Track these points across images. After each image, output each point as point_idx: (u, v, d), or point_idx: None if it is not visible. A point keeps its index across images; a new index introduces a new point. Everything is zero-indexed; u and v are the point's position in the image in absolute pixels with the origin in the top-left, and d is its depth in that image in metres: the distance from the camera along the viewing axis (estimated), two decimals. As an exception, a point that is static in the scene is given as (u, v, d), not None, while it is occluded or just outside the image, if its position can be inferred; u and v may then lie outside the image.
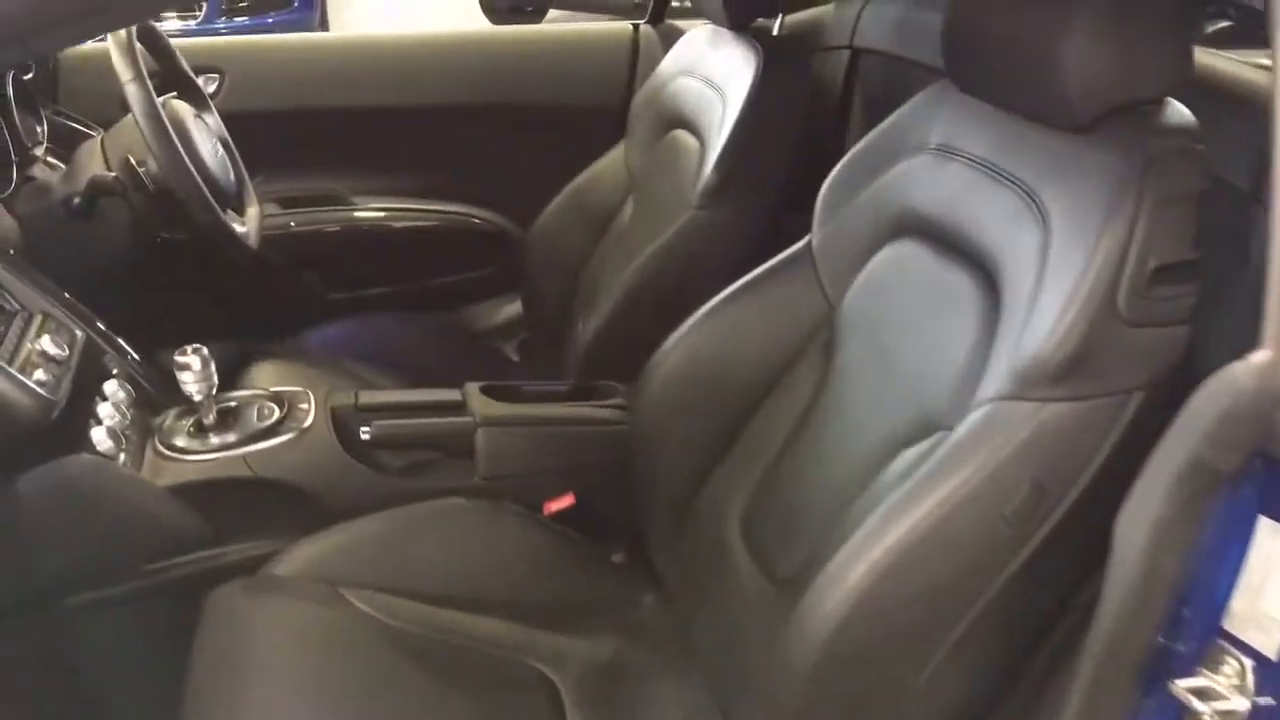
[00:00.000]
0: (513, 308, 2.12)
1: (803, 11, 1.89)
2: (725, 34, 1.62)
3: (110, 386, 1.30)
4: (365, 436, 1.33)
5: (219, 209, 1.42)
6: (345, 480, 1.29)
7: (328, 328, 1.90)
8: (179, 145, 1.35)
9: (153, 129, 1.34)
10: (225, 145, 1.63)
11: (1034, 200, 0.87)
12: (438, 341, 2.02)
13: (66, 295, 1.34)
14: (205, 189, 1.39)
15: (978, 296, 0.92)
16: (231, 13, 5.24)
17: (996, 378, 0.84)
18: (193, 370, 1.24)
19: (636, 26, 2.08)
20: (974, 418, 0.83)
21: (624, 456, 1.28)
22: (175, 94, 1.62)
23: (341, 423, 1.35)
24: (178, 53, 1.59)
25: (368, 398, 1.40)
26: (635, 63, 2.03)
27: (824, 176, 1.15)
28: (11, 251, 1.36)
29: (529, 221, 1.92)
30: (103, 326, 1.37)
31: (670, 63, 1.74)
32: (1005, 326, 0.86)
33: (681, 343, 1.21)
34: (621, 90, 2.00)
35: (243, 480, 1.25)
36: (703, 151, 1.54)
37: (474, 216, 2.06)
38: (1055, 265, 0.82)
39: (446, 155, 2.03)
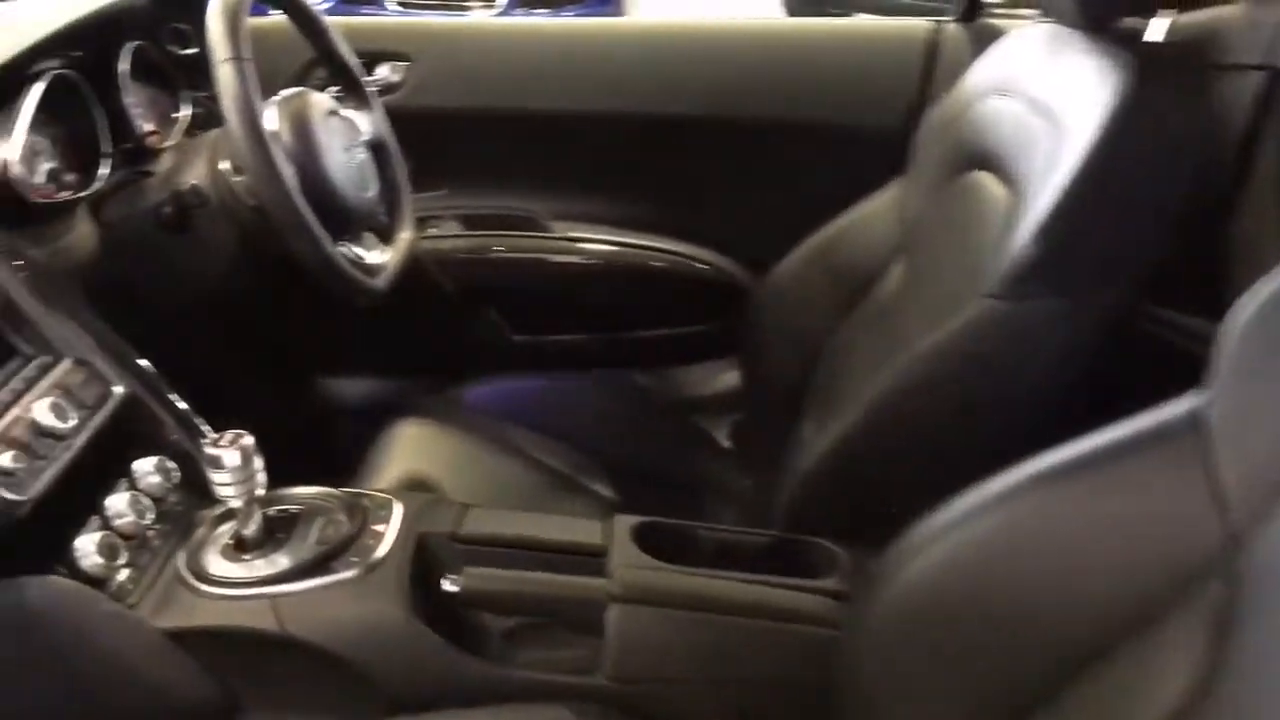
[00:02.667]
0: (729, 377, 1.65)
1: (1194, 13, 1.28)
2: (1072, 38, 1.07)
3: (144, 466, 0.97)
4: (451, 588, 0.92)
5: (325, 238, 1.05)
6: (410, 656, 0.88)
7: (496, 381, 1.53)
8: (272, 153, 1.00)
9: (242, 128, 0.99)
10: (378, 152, 1.28)
11: None
12: (631, 409, 1.60)
13: (114, 333, 1.02)
14: (306, 212, 1.03)
15: None
16: (529, 4, 5.13)
17: None
18: (228, 468, 0.87)
19: (939, 24, 1.54)
20: None
21: (830, 683, 0.79)
22: (337, 88, 1.29)
23: (428, 559, 0.95)
24: (331, 32, 1.25)
25: (475, 524, 0.99)
26: (930, 72, 1.49)
27: (1215, 257, 0.65)
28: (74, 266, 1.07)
29: (763, 271, 1.45)
30: (150, 373, 1.04)
31: (981, 75, 1.20)
32: None
33: (956, 532, 0.70)
34: (906, 108, 1.47)
35: (268, 638, 0.87)
36: (1017, 206, 0.99)
37: (694, 259, 1.61)
38: None
39: (669, 179, 1.60)
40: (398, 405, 1.44)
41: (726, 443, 1.59)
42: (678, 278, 1.61)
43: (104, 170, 1.14)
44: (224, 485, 0.88)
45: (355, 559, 0.91)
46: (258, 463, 0.89)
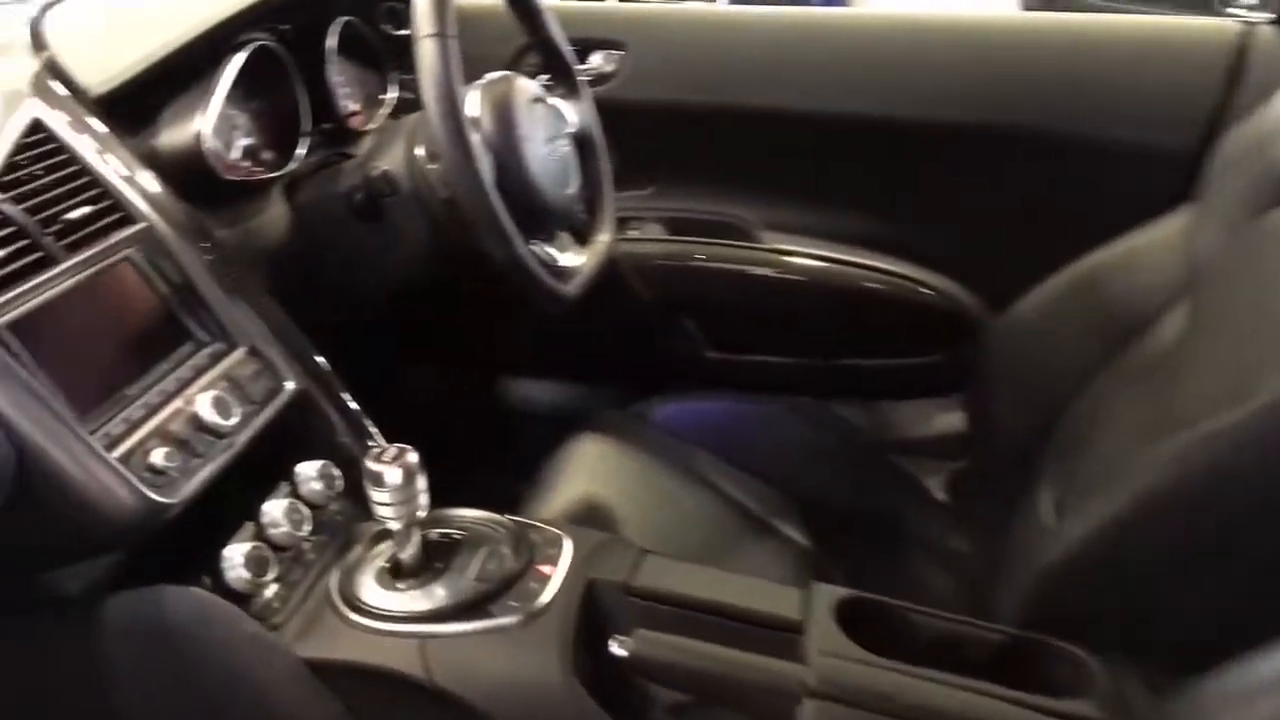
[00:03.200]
0: (949, 419, 1.46)
1: None
2: None
3: (307, 470, 0.89)
4: (619, 652, 0.79)
5: (516, 237, 0.95)
6: (566, 723, 0.76)
7: (687, 399, 1.40)
8: (469, 140, 0.90)
9: (440, 111, 0.90)
10: (583, 145, 1.18)
11: None
12: (834, 445, 1.43)
13: (293, 324, 0.96)
14: (499, 207, 0.93)
15: None
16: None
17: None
18: (389, 486, 0.78)
19: (1250, 25, 1.28)
20: None
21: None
22: (548, 75, 1.20)
23: (595, 611, 0.83)
24: (546, 16, 1.16)
25: (653, 574, 0.85)
26: (1236, 83, 1.24)
27: None
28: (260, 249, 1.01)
29: (1001, 303, 1.26)
30: (325, 370, 0.97)
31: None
32: None
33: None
34: (1202, 124, 1.23)
35: (412, 683, 0.77)
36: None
37: (919, 283, 1.42)
38: None
39: (897, 191, 1.42)
40: (581, 416, 1.34)
41: (941, 495, 1.40)
42: (898, 302, 1.43)
43: (301, 150, 1.08)
44: (383, 505, 0.79)
45: (515, 603, 0.80)
46: (421, 482, 0.79)
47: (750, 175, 1.47)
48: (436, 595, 0.82)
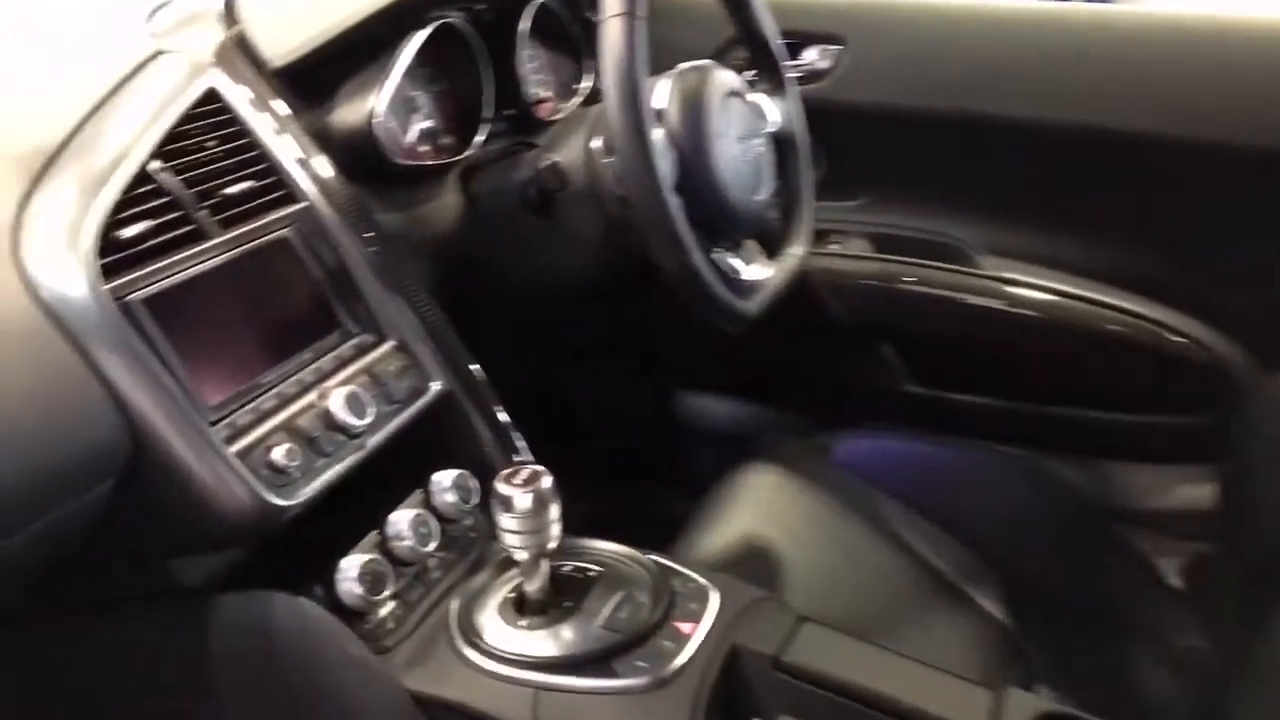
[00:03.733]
0: (1197, 491, 1.23)
1: None
2: None
3: (442, 480, 0.83)
4: (758, 739, 0.67)
5: (691, 244, 0.85)
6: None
7: (877, 436, 1.26)
8: (646, 131, 0.81)
9: (619, 97, 0.81)
10: (783, 147, 1.06)
11: None
12: (1047, 507, 1.24)
13: (447, 321, 0.89)
14: (673, 209, 0.83)
15: None
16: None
17: None
18: (517, 512, 0.69)
19: None
20: None
21: None
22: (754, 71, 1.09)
23: (737, 685, 0.71)
24: (756, 5, 1.05)
25: (811, 648, 0.73)
26: None
27: None
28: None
29: (1274, 360, 1.04)
30: (476, 373, 0.90)
31: None
32: None
33: None
34: None
35: (519, 738, 0.68)
36: None
37: (1170, 329, 1.21)
38: None
39: (1150, 219, 1.21)
40: (758, 441, 1.23)
41: (1176, 580, 1.18)
42: (1142, 349, 1.22)
43: (481, 137, 1.02)
44: (509, 533, 0.70)
45: (645, 663, 0.70)
46: (554, 511, 0.70)
47: (975, 192, 1.30)
48: (560, 640, 0.73)
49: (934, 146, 1.29)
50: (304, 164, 0.85)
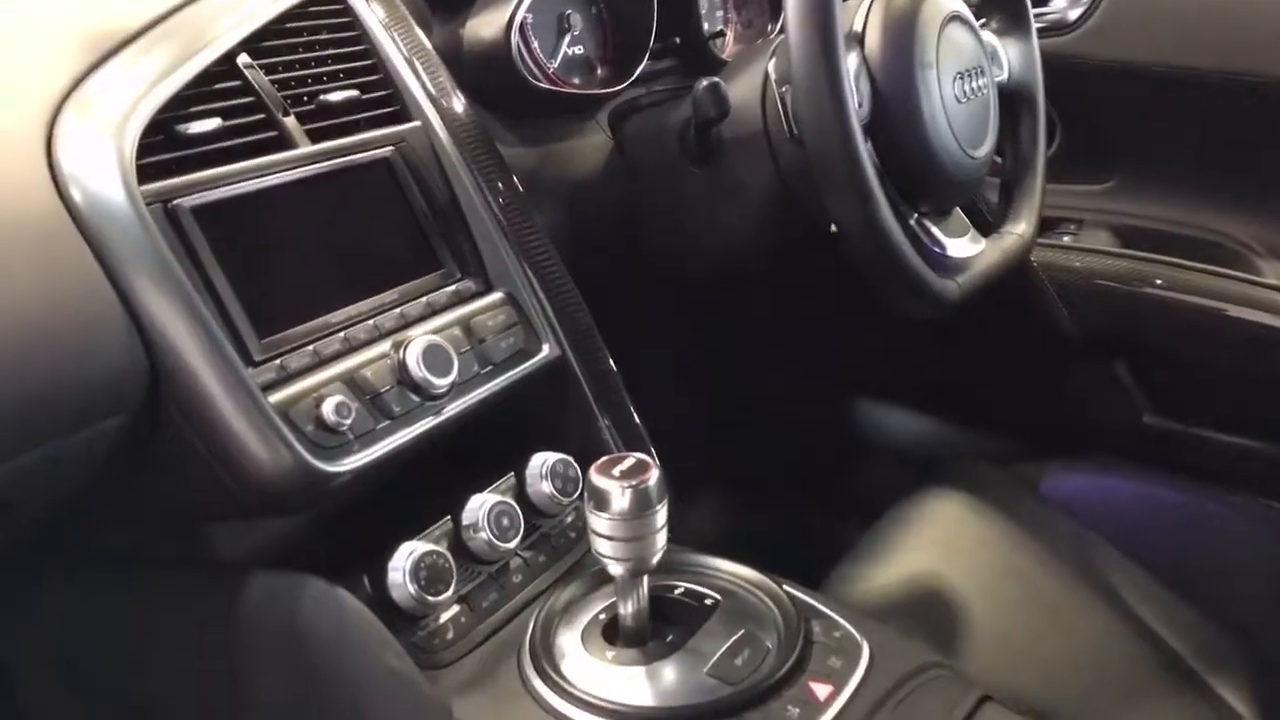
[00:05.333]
0: None
1: None
2: None
3: (539, 464, 0.68)
4: None
5: (881, 201, 0.66)
6: None
7: (1099, 473, 1.02)
8: (835, 57, 0.63)
9: (798, 11, 0.63)
10: (1014, 103, 0.85)
11: None
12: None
13: (572, 280, 0.74)
14: (861, 154, 0.65)
15: None
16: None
17: None
18: (611, 510, 0.53)
19: None
20: None
21: None
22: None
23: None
24: None
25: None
26: None
27: None
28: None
29: None
30: (598, 343, 0.74)
31: None
32: None
33: None
34: None
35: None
36: None
37: None
38: None
39: None
40: (945, 464, 1.02)
41: None
42: None
43: (640, 68, 0.87)
44: (601, 538, 0.54)
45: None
46: (659, 516, 0.54)
47: (1258, 179, 1.03)
48: (654, 684, 0.56)
49: (1206, 119, 1.03)
50: (423, 77, 0.72)
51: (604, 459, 0.55)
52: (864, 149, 0.65)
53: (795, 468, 1.20)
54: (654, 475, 0.54)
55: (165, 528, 0.61)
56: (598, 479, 0.54)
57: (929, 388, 1.23)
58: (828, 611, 0.61)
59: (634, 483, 0.53)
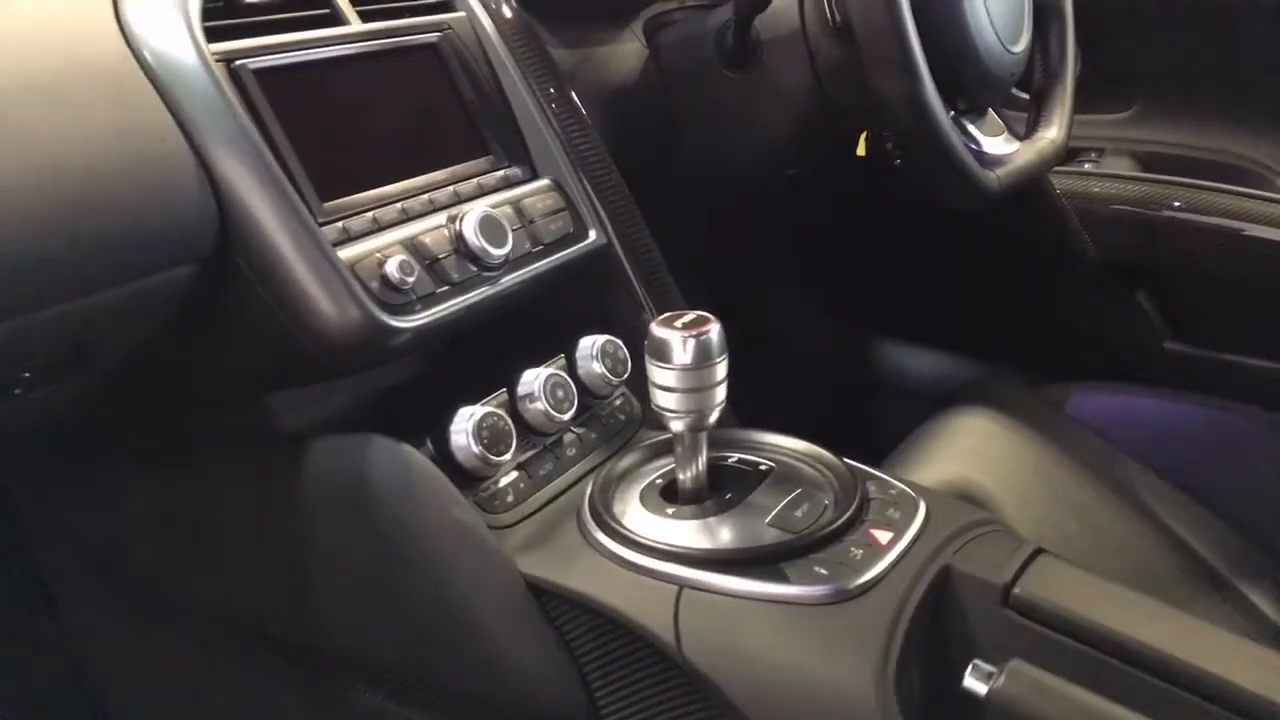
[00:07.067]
0: None
1: None
2: None
3: (589, 345, 0.68)
4: (976, 687, 0.48)
5: (933, 92, 0.67)
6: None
7: (1126, 393, 1.03)
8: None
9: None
10: (1045, 12, 0.86)
11: None
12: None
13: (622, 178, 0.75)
14: (913, 44, 0.66)
15: None
16: None
17: None
18: (675, 365, 0.54)
19: None
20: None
21: None
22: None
23: (947, 616, 0.53)
24: None
25: (1050, 583, 0.53)
26: None
27: None
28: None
29: None
30: (645, 235, 0.75)
31: None
32: None
33: None
34: None
35: (657, 648, 0.53)
36: None
37: None
38: None
39: None
40: (971, 387, 1.03)
41: None
42: None
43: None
44: (664, 390, 0.55)
45: (824, 570, 0.53)
46: (720, 369, 0.55)
47: (1275, 97, 1.04)
48: (713, 534, 0.57)
49: (1222, 42, 1.04)
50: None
51: (665, 315, 0.55)
52: (912, 28, 0.66)
53: (816, 405, 1.20)
54: (715, 328, 0.54)
55: (227, 396, 0.61)
56: (660, 331, 0.54)
57: (950, 324, 1.24)
58: (882, 475, 0.62)
59: (696, 334, 0.54)
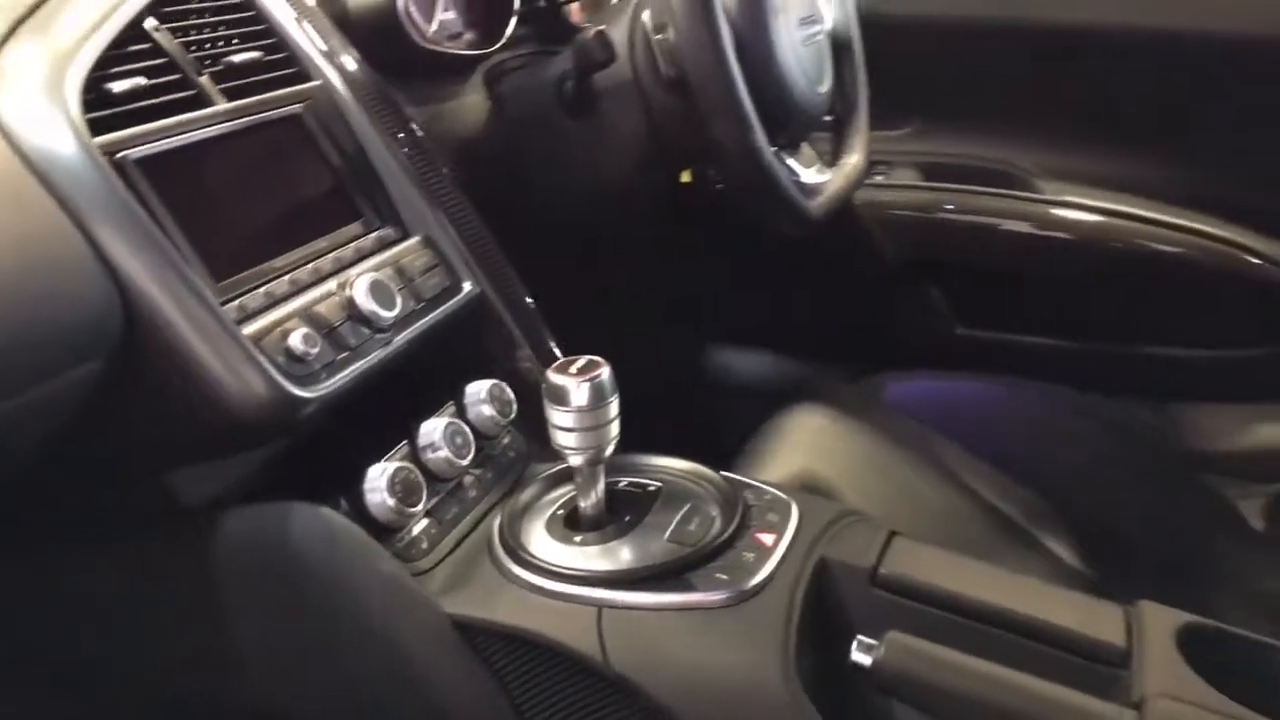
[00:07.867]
0: (1273, 431, 1.14)
1: None
2: None
3: (476, 391, 0.73)
4: (861, 659, 0.57)
5: (762, 138, 0.75)
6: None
7: (929, 378, 1.16)
8: (716, 9, 0.72)
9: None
10: (839, 50, 0.97)
11: None
12: (1116, 450, 1.14)
13: (482, 223, 0.79)
14: (739, 86, 0.74)
15: None
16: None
17: None
18: (573, 407, 0.60)
19: None
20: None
21: None
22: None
23: (829, 602, 0.62)
24: None
25: (909, 562, 0.63)
26: None
27: None
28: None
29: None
30: (513, 277, 0.80)
31: None
32: None
33: None
34: None
35: (585, 665, 0.58)
36: None
37: (1245, 249, 1.12)
38: None
39: (1222, 136, 1.12)
40: (800, 389, 1.13)
41: (1258, 523, 1.09)
42: (1214, 274, 1.13)
43: (509, 30, 0.93)
44: (564, 431, 0.60)
45: (724, 576, 0.60)
46: (613, 408, 0.61)
47: (1032, 110, 1.21)
48: (621, 556, 0.63)
49: (994, 62, 1.20)
50: (315, 39, 0.75)
51: (558, 362, 0.61)
52: (740, 82, 0.75)
53: (662, 413, 1.28)
54: (605, 371, 0.60)
55: (132, 475, 0.62)
56: (556, 378, 0.60)
57: (772, 326, 1.35)
58: (755, 483, 0.70)
59: (589, 378, 0.60)
